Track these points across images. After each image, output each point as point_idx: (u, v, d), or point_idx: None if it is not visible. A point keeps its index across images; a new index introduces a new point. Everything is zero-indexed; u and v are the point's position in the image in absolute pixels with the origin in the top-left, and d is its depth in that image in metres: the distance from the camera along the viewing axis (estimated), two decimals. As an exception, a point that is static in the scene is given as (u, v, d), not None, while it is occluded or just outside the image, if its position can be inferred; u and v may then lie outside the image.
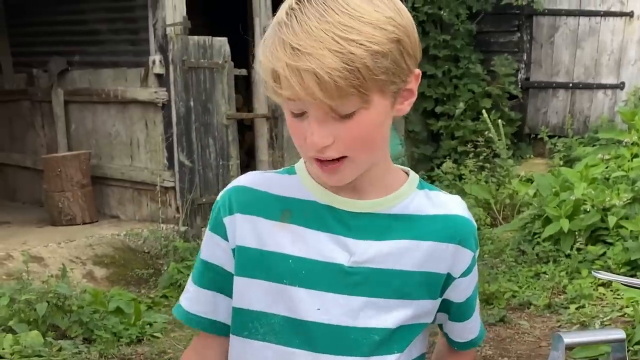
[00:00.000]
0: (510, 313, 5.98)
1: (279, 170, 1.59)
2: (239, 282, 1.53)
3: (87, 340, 5.40)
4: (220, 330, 1.58)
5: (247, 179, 1.56)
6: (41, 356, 5.00)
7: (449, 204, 1.56)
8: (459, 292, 1.58)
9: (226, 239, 1.53)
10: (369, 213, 1.50)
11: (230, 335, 1.56)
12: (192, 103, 7.66)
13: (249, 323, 1.52)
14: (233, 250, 1.53)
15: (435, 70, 9.89)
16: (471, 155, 9.01)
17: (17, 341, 5.08)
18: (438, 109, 9.99)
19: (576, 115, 10.04)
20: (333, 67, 1.32)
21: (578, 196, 6.81)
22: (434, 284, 1.53)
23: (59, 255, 6.68)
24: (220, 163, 7.85)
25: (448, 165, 9.06)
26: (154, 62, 7.59)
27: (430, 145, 10.14)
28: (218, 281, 1.55)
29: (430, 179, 9.07)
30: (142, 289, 6.54)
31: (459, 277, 1.56)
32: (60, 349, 5.15)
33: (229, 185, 1.57)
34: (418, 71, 1.45)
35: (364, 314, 1.49)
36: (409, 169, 1.58)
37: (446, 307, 1.59)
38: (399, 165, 1.58)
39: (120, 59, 8.19)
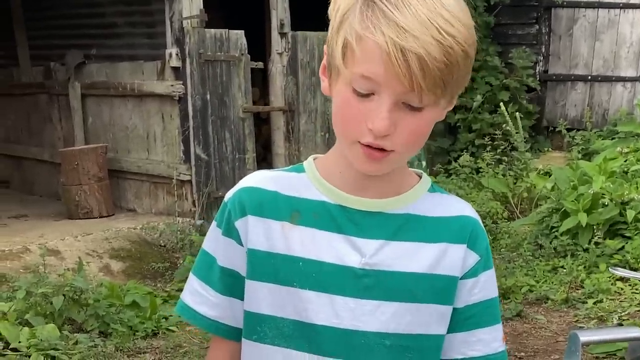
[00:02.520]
0: (527, 307, 5.95)
1: (286, 168, 1.56)
2: (249, 285, 1.50)
3: (103, 334, 5.41)
4: (236, 335, 1.55)
5: (256, 179, 1.52)
6: (57, 349, 5.01)
7: (460, 207, 1.53)
8: (460, 295, 1.50)
9: (240, 243, 1.50)
10: (380, 212, 1.47)
11: (242, 338, 1.53)
12: (208, 96, 7.66)
13: (257, 327, 1.49)
14: (246, 253, 1.50)
15: (452, 63, 9.82)
16: (489, 148, 8.96)
17: (33, 334, 5.09)
18: (455, 102, 9.93)
19: (595, 108, 9.98)
20: (436, 57, 1.30)
21: (596, 190, 6.77)
22: (446, 288, 1.48)
23: (75, 248, 6.70)
24: (237, 156, 7.84)
25: (465, 158, 9.02)
26: (170, 55, 7.59)
27: (447, 138, 10.09)
28: (236, 286, 1.52)
29: (447, 172, 9.04)
30: (158, 282, 6.55)
31: (460, 279, 1.50)
32: (76, 343, 5.16)
33: (237, 186, 1.53)
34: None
35: (374, 318, 1.45)
36: (422, 172, 1.55)
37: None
38: (414, 169, 1.55)
39: (137, 52, 8.20)
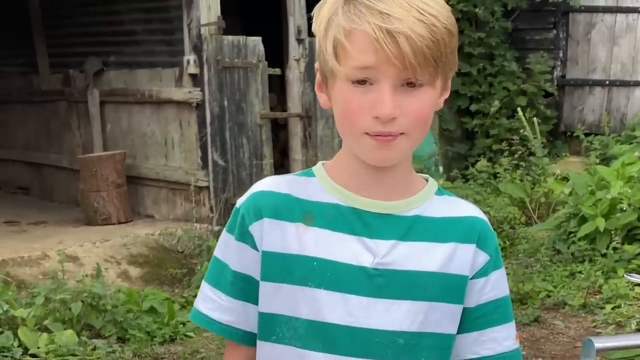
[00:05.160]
0: (545, 313, 5.93)
1: (296, 173, 1.60)
2: (264, 287, 1.52)
3: (121, 340, 5.43)
4: (249, 339, 1.57)
5: (267, 184, 1.55)
6: (75, 355, 5.04)
7: (467, 208, 1.57)
8: (471, 295, 1.54)
9: (255, 247, 1.52)
10: (391, 214, 1.50)
11: (257, 341, 1.55)
12: (226, 103, 7.68)
13: (276, 328, 1.52)
14: (260, 256, 1.52)
15: (470, 68, 9.84)
16: (506, 153, 8.95)
17: (52, 340, 5.13)
18: (473, 107, 9.94)
19: (613, 113, 9.94)
20: (422, 35, 1.38)
21: (614, 195, 6.74)
22: (457, 287, 1.52)
23: (94, 254, 6.73)
24: (254, 162, 7.86)
25: (483, 163, 9.00)
26: (188, 62, 7.62)
27: (464, 144, 10.09)
28: (249, 290, 1.54)
29: (465, 178, 9.03)
30: (175, 288, 6.57)
31: (470, 278, 1.53)
32: (94, 348, 5.20)
33: (250, 192, 1.55)
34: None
35: (388, 317, 1.48)
36: (429, 176, 1.59)
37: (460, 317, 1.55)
38: (421, 174, 1.59)
39: (155, 59, 8.23)
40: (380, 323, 1.48)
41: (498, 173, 8.65)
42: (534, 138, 8.76)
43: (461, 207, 1.56)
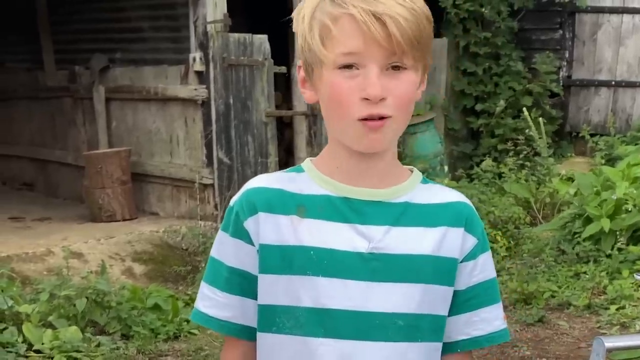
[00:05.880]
0: (549, 313, 5.93)
1: (285, 170, 1.64)
2: (263, 280, 1.56)
3: (125, 337, 5.44)
4: (248, 334, 1.60)
5: (259, 181, 1.60)
6: (80, 351, 5.05)
7: (453, 195, 1.63)
8: (461, 278, 1.59)
9: (251, 243, 1.56)
10: (381, 202, 1.55)
11: (258, 333, 1.58)
12: (231, 100, 7.68)
13: (276, 318, 1.55)
14: (257, 251, 1.56)
15: (475, 68, 9.83)
16: (511, 153, 8.94)
17: (56, 336, 5.13)
18: (478, 107, 9.92)
19: (618, 114, 9.92)
20: (406, 17, 1.44)
21: (619, 195, 6.73)
22: (448, 270, 1.57)
23: (98, 251, 6.74)
24: (259, 160, 7.86)
25: (488, 163, 8.99)
26: (194, 60, 7.62)
27: (470, 143, 10.08)
28: (246, 286, 1.58)
29: (470, 177, 9.01)
30: (179, 285, 6.57)
31: (460, 262, 1.58)
32: (98, 345, 5.20)
33: (243, 190, 1.59)
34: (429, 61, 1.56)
35: (385, 299, 1.53)
36: (413, 167, 1.64)
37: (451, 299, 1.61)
38: (407, 166, 1.64)
39: (161, 56, 8.23)
40: (379, 305, 1.52)
41: (503, 173, 8.63)
42: (540, 138, 8.75)
43: (447, 194, 1.61)
